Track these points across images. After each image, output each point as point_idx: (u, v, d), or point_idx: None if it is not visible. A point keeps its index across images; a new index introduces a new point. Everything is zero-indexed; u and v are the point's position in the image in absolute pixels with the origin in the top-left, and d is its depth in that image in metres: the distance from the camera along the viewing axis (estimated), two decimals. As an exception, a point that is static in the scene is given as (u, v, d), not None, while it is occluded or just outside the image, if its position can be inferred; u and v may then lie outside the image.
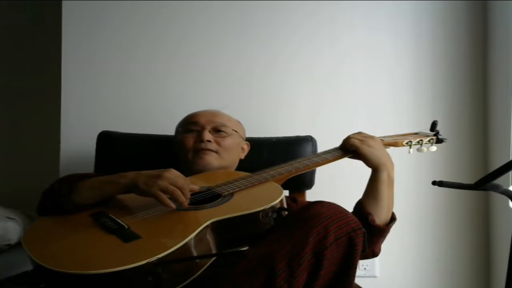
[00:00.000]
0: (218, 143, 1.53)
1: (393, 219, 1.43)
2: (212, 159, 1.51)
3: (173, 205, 1.19)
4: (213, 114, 1.59)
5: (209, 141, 1.51)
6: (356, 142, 1.40)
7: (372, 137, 1.43)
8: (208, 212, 1.18)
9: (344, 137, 1.48)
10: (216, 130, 1.56)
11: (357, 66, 2.00)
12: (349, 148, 1.42)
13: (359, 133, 1.46)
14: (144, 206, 1.22)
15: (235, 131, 1.60)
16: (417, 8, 1.99)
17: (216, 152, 1.52)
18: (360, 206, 1.40)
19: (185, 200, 1.20)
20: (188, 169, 1.48)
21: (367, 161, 1.40)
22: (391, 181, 1.41)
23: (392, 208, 1.43)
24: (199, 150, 1.51)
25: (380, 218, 1.39)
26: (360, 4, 1.99)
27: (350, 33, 2.00)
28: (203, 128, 1.54)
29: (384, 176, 1.40)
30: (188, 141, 1.53)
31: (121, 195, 1.27)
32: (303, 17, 2.00)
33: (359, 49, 2.00)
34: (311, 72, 1.99)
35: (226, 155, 1.54)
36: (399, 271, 2.01)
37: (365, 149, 1.39)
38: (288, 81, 2.00)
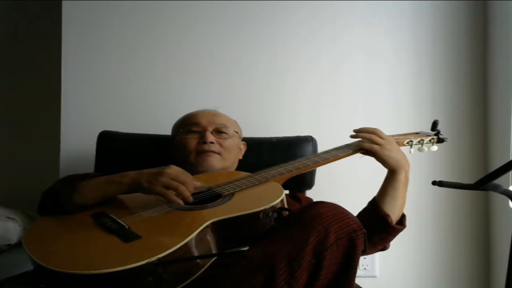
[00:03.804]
0: (220, 145, 1.52)
1: (403, 215, 1.44)
2: (215, 161, 1.50)
3: (179, 201, 1.19)
4: (213, 114, 1.59)
5: (212, 142, 1.51)
6: (375, 147, 1.39)
7: (388, 141, 1.41)
8: (208, 212, 1.18)
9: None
10: (218, 131, 1.55)
11: (357, 66, 1.99)
12: (365, 150, 1.41)
13: (375, 130, 1.43)
14: (144, 206, 1.22)
15: (236, 132, 1.60)
16: (417, 8, 1.99)
17: (219, 153, 1.51)
18: (375, 205, 1.40)
19: (189, 195, 1.20)
20: (190, 171, 1.48)
21: (386, 164, 1.40)
22: (407, 181, 1.41)
23: (404, 206, 1.43)
24: (203, 151, 1.50)
25: (395, 217, 1.40)
26: (360, 4, 1.99)
27: (350, 33, 2.00)
28: (205, 129, 1.53)
29: (401, 177, 1.40)
30: (191, 142, 1.52)
31: (121, 195, 1.27)
32: (303, 17, 2.00)
33: (359, 49, 2.00)
34: (311, 72, 1.99)
35: (228, 156, 1.53)
36: (399, 271, 2.01)
37: (384, 154, 1.38)
38: (288, 81, 2.00)
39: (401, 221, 1.42)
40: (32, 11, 2.46)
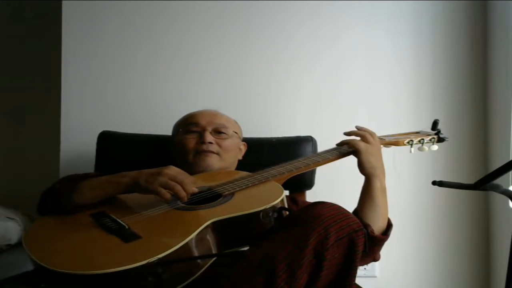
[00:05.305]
0: (219, 145, 1.53)
1: (389, 225, 1.43)
2: (213, 161, 1.50)
3: (183, 196, 1.20)
4: (213, 114, 1.59)
5: (210, 142, 1.51)
6: (361, 146, 1.39)
7: (377, 147, 1.41)
8: (208, 212, 1.18)
9: (344, 137, 1.48)
10: (217, 132, 1.55)
11: (357, 66, 2.00)
12: (349, 148, 1.42)
13: (365, 130, 1.43)
14: (144, 206, 1.22)
15: (235, 132, 1.60)
16: (417, 8, 1.99)
17: (217, 153, 1.52)
18: (356, 216, 1.39)
19: (185, 195, 1.21)
20: (188, 170, 1.48)
21: (363, 169, 1.40)
22: (384, 190, 1.41)
23: (387, 215, 1.42)
24: (201, 151, 1.50)
25: (378, 226, 1.39)
26: (360, 4, 1.99)
27: (350, 33, 2.00)
28: (204, 129, 1.53)
29: (377, 185, 1.39)
30: (189, 142, 1.53)
31: (121, 195, 1.27)
32: (303, 17, 2.00)
33: (359, 49, 2.00)
34: (311, 72, 1.99)
35: (226, 157, 1.54)
36: (399, 271, 2.01)
37: (366, 156, 1.38)
38: (288, 81, 2.00)
39: (386, 231, 1.41)
40: (32, 11, 2.46)
